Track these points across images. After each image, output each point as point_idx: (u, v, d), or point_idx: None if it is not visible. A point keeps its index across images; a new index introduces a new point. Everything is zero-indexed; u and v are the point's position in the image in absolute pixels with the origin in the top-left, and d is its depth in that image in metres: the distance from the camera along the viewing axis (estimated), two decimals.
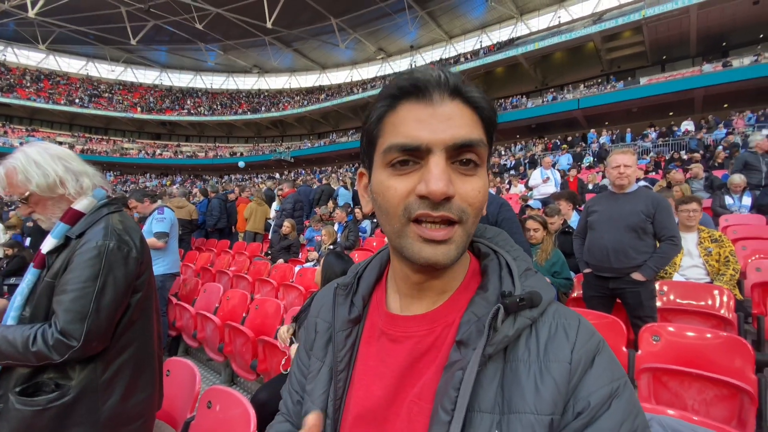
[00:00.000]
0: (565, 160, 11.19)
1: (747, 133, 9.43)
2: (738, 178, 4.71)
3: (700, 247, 2.97)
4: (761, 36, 17.76)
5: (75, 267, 1.08)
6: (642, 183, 6.19)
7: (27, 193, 1.14)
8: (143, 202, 3.68)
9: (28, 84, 32.40)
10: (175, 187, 21.23)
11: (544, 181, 6.77)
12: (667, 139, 13.30)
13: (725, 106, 16.96)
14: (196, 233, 6.94)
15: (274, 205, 7.30)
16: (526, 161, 13.69)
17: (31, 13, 23.98)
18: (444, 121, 0.43)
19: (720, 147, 9.21)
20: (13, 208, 9.97)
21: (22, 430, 1.03)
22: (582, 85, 21.89)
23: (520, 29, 26.03)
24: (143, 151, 34.47)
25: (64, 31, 28.85)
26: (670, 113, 18.03)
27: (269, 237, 6.64)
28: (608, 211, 2.48)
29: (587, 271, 2.62)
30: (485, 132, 0.47)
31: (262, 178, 26.34)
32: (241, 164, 26.39)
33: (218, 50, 33.12)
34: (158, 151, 35.19)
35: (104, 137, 35.78)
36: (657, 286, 2.57)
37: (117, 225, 1.18)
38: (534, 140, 19.95)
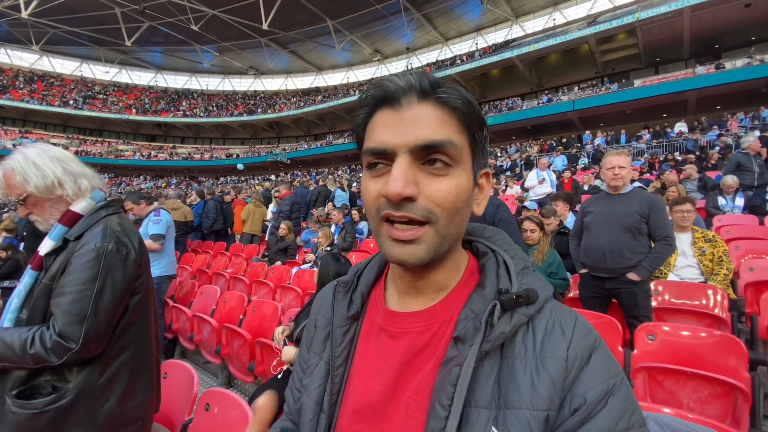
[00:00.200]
0: (560, 161, 11.26)
1: (740, 135, 9.53)
2: (731, 179, 4.75)
3: (694, 247, 3.01)
4: (753, 38, 17.93)
5: (73, 269, 1.08)
6: (636, 184, 6.25)
7: (25, 195, 1.13)
8: (139, 204, 3.66)
9: (22, 85, 32.08)
10: (170, 188, 21.12)
11: (540, 182, 6.80)
12: (660, 140, 13.42)
13: (718, 107, 17.12)
14: (192, 235, 6.91)
15: (271, 206, 7.28)
16: (522, 162, 13.75)
17: (25, 14, 23.77)
18: (410, 124, 0.44)
19: (716, 148, 9.31)
20: (6, 210, 9.86)
21: None
22: (577, 87, 22.07)
23: (516, 31, 26.15)
24: (138, 153, 34.26)
25: (57, 31, 28.60)
26: (664, 115, 18.17)
27: (266, 239, 6.62)
28: (604, 212, 2.51)
29: (583, 271, 2.65)
30: (466, 130, 0.47)
31: (258, 179, 26.26)
32: (240, 166, 26.13)
33: (214, 52, 32.99)
34: (153, 153, 34.98)
35: (99, 139, 35.50)
36: (652, 285, 2.59)
37: (115, 227, 1.17)
38: (529, 142, 20.03)
